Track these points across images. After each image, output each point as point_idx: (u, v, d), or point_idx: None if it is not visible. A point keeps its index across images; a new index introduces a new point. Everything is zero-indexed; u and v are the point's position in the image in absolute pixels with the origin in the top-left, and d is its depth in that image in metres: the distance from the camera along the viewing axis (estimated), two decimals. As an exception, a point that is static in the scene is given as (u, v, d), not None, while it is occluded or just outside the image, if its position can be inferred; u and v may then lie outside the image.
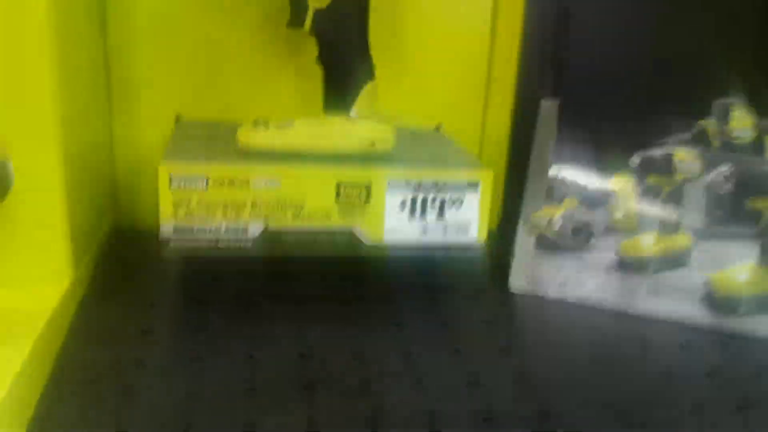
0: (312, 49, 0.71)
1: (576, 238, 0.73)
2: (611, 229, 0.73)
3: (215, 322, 0.65)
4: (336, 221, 0.67)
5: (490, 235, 0.71)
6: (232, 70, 0.82)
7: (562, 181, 0.74)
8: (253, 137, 0.69)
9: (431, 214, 0.69)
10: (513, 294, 0.75)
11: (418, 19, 0.85)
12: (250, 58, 0.82)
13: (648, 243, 0.71)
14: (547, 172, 0.75)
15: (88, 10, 0.73)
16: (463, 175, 0.68)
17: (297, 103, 0.83)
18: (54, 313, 0.59)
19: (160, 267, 0.70)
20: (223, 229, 0.65)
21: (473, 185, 0.69)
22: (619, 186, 0.73)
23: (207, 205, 0.64)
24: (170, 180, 0.63)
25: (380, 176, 0.67)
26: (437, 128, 0.87)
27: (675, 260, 0.71)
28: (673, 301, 0.70)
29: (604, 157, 0.74)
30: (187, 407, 0.52)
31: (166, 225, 0.64)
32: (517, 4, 0.85)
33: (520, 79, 0.87)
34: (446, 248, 0.70)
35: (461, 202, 0.69)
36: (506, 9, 0.86)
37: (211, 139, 0.74)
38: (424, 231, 0.69)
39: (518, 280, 0.75)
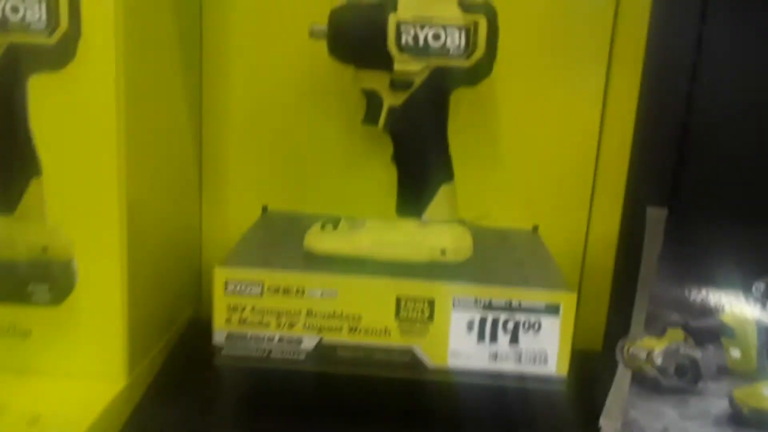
0: (388, 147, 0.67)
1: (680, 379, 0.62)
2: (725, 371, 0.61)
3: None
4: (395, 339, 0.61)
5: (589, 361, 0.62)
6: (316, 165, 0.80)
7: (666, 306, 0.63)
8: (317, 241, 0.66)
9: (503, 339, 0.61)
10: (602, 435, 0.64)
11: (513, 114, 0.78)
12: (338, 152, 0.80)
13: (772, 392, 0.59)
14: (648, 290, 0.64)
15: (176, 89, 0.75)
16: (539, 297, 0.60)
17: (378, 200, 0.79)
18: (103, 413, 0.59)
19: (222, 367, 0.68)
20: (276, 339, 0.62)
21: (552, 309, 0.60)
22: (737, 318, 0.61)
23: (261, 313, 0.62)
24: (225, 285, 0.61)
25: (445, 291, 0.61)
26: (534, 229, 0.79)
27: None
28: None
29: (719, 281, 0.63)
30: None
31: (219, 332, 0.62)
32: (631, 94, 0.76)
33: (630, 182, 0.77)
34: (521, 378, 0.61)
35: (538, 327, 0.61)
36: (618, 99, 0.77)
37: (286, 236, 0.72)
38: (495, 357, 0.61)
39: (611, 422, 0.65)
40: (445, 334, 0.61)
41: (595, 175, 0.78)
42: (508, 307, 0.60)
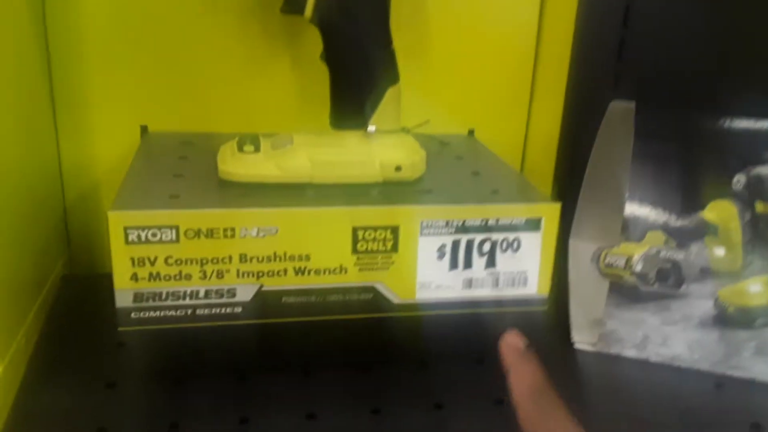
0: (316, 42, 0.53)
1: (662, 284, 0.56)
2: (708, 271, 0.56)
3: (194, 408, 0.48)
4: (353, 277, 0.50)
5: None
6: (211, 68, 0.64)
7: (643, 208, 0.57)
8: (237, 165, 0.52)
9: (478, 263, 0.52)
10: (578, 353, 0.59)
11: (448, 7, 0.67)
12: (234, 53, 0.64)
13: (756, 290, 0.55)
14: (621, 194, 0.58)
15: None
16: (519, 211, 0.51)
17: (296, 111, 0.65)
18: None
19: (123, 333, 0.53)
20: (201, 293, 0.48)
21: (533, 223, 0.52)
22: (717, 215, 0.56)
23: (179, 264, 0.47)
24: (126, 233, 0.46)
25: (411, 215, 0.50)
26: (470, 133, 0.69)
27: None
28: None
29: (696, 178, 0.57)
30: None
31: (123, 292, 0.47)
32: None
33: (573, 72, 0.69)
34: (498, 304, 0.53)
35: (517, 246, 0.52)
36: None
37: (183, 161, 0.57)
38: (470, 284, 0.52)
39: (583, 335, 0.59)
40: (412, 265, 0.51)
41: (534, 72, 0.70)
42: (484, 227, 0.51)
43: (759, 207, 0.55)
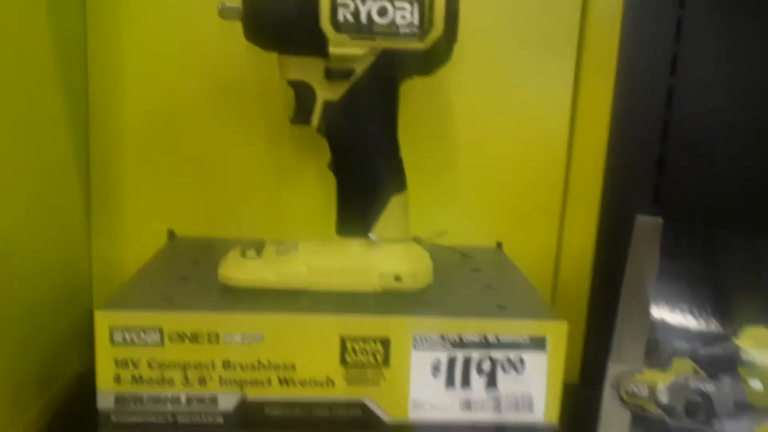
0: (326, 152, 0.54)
1: (691, 419, 0.50)
2: (744, 407, 0.50)
3: None
4: (341, 390, 0.48)
5: (566, 397, 0.51)
6: (240, 176, 0.66)
7: (669, 332, 0.52)
8: (236, 270, 0.52)
9: (477, 382, 0.48)
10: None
11: (473, 113, 0.67)
12: (263, 162, 0.66)
13: (804, 431, 0.48)
14: (646, 313, 0.53)
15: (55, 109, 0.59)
16: (522, 328, 0.48)
17: (312, 218, 0.65)
18: None
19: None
20: (183, 400, 0.47)
21: (538, 342, 0.48)
22: (753, 343, 0.50)
23: (162, 368, 0.47)
24: (111, 333, 0.46)
25: (402, 327, 0.47)
26: (498, 246, 0.67)
27: None
28: None
29: (728, 301, 0.52)
30: None
31: (105, 393, 0.47)
32: (605, 89, 0.66)
33: (607, 183, 0.66)
34: (500, 430, 0.49)
35: (521, 366, 0.48)
36: (590, 94, 0.66)
37: (195, 265, 0.57)
38: (468, 406, 0.48)
39: (608, 474, 0.53)
40: (404, 381, 0.48)
41: (566, 182, 0.68)
42: (483, 343, 0.48)
43: (803, 335, 0.49)
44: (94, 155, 0.65)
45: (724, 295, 0.52)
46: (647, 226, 0.56)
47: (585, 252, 0.68)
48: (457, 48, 0.53)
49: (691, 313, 0.52)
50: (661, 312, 0.52)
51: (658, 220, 0.56)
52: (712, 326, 0.51)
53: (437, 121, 0.67)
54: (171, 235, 0.66)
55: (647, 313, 0.52)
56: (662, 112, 0.66)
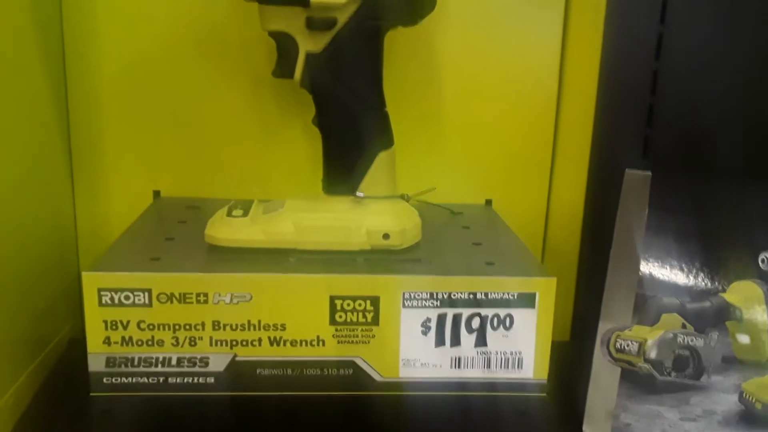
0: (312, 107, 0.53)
1: (680, 374, 0.51)
2: (732, 361, 0.50)
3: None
4: (331, 350, 0.48)
5: (558, 355, 0.51)
6: (225, 134, 0.65)
7: (657, 288, 0.52)
8: (223, 229, 0.51)
9: (467, 340, 0.48)
10: (588, 446, 0.53)
11: (458, 63, 0.65)
12: (248, 119, 0.65)
13: (790, 383, 0.49)
14: (635, 269, 0.53)
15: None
16: (511, 285, 0.48)
17: (299, 176, 0.64)
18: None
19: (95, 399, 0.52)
20: (173, 361, 0.47)
21: (527, 299, 0.48)
22: (741, 297, 0.51)
23: (152, 329, 0.47)
24: (99, 295, 0.46)
25: (392, 285, 0.47)
26: (487, 203, 0.67)
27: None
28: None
29: (717, 255, 0.52)
30: None
31: (96, 356, 0.47)
32: (594, 39, 0.65)
33: (597, 138, 0.66)
34: (490, 387, 0.49)
35: (510, 323, 0.48)
36: (580, 45, 0.65)
37: (181, 225, 0.57)
38: (458, 363, 0.49)
39: (596, 427, 0.53)
40: (394, 340, 0.48)
41: (555, 137, 0.67)
42: (473, 301, 0.48)
43: (791, 289, 0.49)
44: (74, 116, 0.64)
45: (713, 250, 0.52)
46: (636, 179, 0.56)
47: (575, 208, 0.68)
48: (443, -1, 0.52)
49: (680, 267, 0.52)
50: (649, 267, 0.52)
51: (647, 174, 0.55)
52: (701, 281, 0.51)
53: (424, 76, 0.66)
54: (156, 195, 0.65)
55: (636, 268, 0.52)
56: (651, 63, 0.65)
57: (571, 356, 0.59)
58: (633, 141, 0.65)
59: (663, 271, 0.53)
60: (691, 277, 0.52)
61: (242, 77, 0.64)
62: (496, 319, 0.48)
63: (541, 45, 0.65)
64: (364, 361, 0.48)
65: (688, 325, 0.51)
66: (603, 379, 0.54)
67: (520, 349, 0.49)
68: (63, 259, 0.64)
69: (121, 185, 0.65)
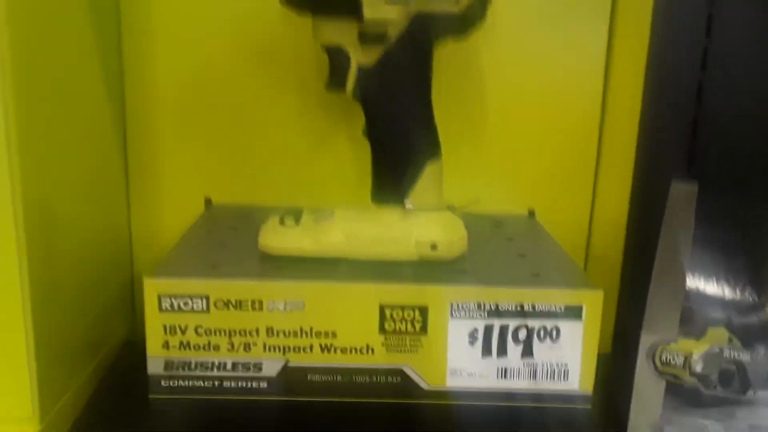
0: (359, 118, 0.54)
1: (725, 388, 0.51)
2: (781, 376, 0.50)
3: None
4: (381, 358, 0.49)
5: (600, 367, 0.52)
6: (275, 143, 0.67)
7: (703, 301, 0.52)
8: (276, 238, 0.53)
9: (514, 351, 0.49)
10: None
11: (505, 78, 0.66)
12: (297, 129, 0.66)
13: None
14: (681, 283, 0.53)
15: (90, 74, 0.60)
16: (558, 297, 0.49)
17: (349, 185, 0.66)
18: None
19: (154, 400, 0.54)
20: (228, 365, 0.49)
21: (574, 311, 0.49)
22: (791, 312, 0.51)
23: (209, 334, 0.48)
24: (159, 301, 0.48)
25: (440, 296, 0.48)
26: (530, 214, 0.67)
27: None
28: None
29: (764, 269, 0.52)
30: None
31: (155, 359, 0.49)
32: (639, 52, 0.65)
33: (641, 150, 0.66)
34: (537, 398, 0.50)
35: (557, 335, 0.49)
36: (624, 58, 0.65)
37: (234, 233, 0.58)
38: (504, 374, 0.50)
39: (640, 440, 0.54)
40: (442, 349, 0.49)
41: (599, 148, 0.67)
42: (519, 312, 0.49)
43: (840, 306, 0.49)
44: (131, 125, 0.66)
45: (759, 264, 0.52)
46: (682, 192, 0.56)
47: (618, 219, 0.68)
48: (490, 11, 0.53)
49: (726, 281, 0.52)
50: (695, 281, 0.53)
51: (694, 186, 0.56)
52: (747, 295, 0.51)
53: (469, 87, 0.66)
54: (208, 202, 0.67)
55: (682, 281, 0.53)
56: (697, 75, 0.65)
57: (613, 368, 0.60)
58: (678, 153, 0.66)
59: (709, 285, 0.53)
60: (738, 292, 0.52)
61: (292, 89, 0.65)
62: (542, 331, 0.49)
63: (585, 54, 0.66)
64: (412, 369, 0.49)
65: (734, 339, 0.51)
66: (646, 391, 0.55)
67: (566, 360, 0.49)
68: (118, 265, 0.66)
69: (174, 193, 0.68)
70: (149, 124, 0.66)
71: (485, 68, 0.66)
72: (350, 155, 0.66)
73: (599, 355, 0.70)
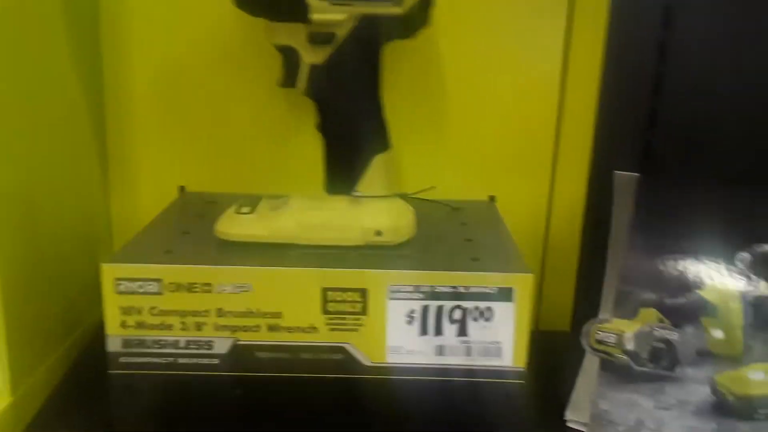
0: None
1: (655, 365, 0.53)
2: (705, 353, 0.52)
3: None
4: (324, 336, 0.52)
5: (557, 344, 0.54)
6: (245, 134, 0.70)
7: (637, 283, 0.55)
8: (231, 225, 0.56)
9: (449, 330, 0.52)
10: (570, 432, 0.56)
11: (462, 62, 0.68)
12: (265, 121, 0.70)
13: (757, 378, 0.51)
14: (616, 267, 0.56)
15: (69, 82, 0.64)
16: (489, 280, 0.51)
17: (306, 175, 0.69)
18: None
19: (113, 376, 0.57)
20: (182, 343, 0.52)
21: (505, 293, 0.51)
22: (718, 293, 0.53)
23: (162, 314, 0.52)
24: (116, 284, 0.51)
25: (378, 279, 0.51)
26: (491, 200, 0.70)
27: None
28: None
29: (697, 252, 0.54)
30: None
31: (114, 338, 0.52)
32: (596, 44, 0.67)
33: (597, 145, 0.68)
34: (471, 374, 0.53)
35: (490, 316, 0.52)
36: (581, 50, 0.67)
37: (199, 219, 0.62)
38: (440, 351, 0.52)
39: (578, 413, 0.56)
40: (381, 328, 0.52)
41: (557, 135, 0.69)
42: (454, 294, 0.51)
43: (764, 288, 0.51)
44: (110, 115, 0.70)
45: (693, 249, 0.54)
46: (624, 181, 0.58)
47: (576, 205, 0.70)
48: (438, 8, 0.55)
49: (661, 265, 0.54)
50: (632, 264, 0.55)
51: (634, 176, 0.58)
52: (679, 278, 0.53)
53: (428, 75, 0.69)
54: (181, 190, 0.70)
55: (616, 263, 0.55)
56: (654, 66, 0.66)
57: (569, 346, 0.62)
58: (632, 142, 0.67)
59: (644, 267, 0.55)
60: (671, 275, 0.54)
61: (260, 84, 0.68)
62: (476, 311, 0.51)
63: (543, 45, 0.68)
64: (354, 347, 0.52)
65: (664, 319, 0.53)
66: (586, 367, 0.57)
67: (499, 339, 0.52)
68: (97, 249, 0.70)
69: (150, 182, 0.71)
70: (127, 115, 0.70)
71: (445, 57, 0.69)
72: (312, 146, 0.69)
73: (560, 334, 0.73)
